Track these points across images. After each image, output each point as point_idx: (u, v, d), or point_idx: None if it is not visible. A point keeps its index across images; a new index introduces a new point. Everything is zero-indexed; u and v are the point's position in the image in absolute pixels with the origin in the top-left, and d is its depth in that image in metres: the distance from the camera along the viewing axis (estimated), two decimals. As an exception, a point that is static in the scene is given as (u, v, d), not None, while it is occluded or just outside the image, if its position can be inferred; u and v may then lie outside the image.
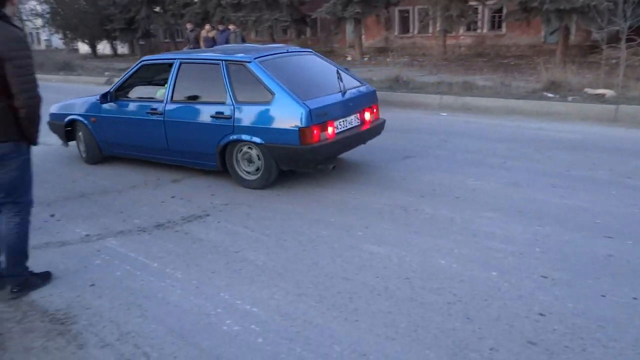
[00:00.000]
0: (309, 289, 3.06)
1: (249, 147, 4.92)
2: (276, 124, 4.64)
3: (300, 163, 4.84)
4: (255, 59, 4.92)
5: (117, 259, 3.61)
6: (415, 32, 25.72)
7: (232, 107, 4.85)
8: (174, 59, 5.46)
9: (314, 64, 5.62)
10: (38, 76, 3.00)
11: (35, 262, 3.57)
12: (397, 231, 3.88)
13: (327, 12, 20.93)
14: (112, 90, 5.74)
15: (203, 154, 5.20)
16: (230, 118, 4.85)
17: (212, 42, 14.15)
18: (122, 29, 31.04)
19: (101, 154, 6.11)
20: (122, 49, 36.25)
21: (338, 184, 5.13)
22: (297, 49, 5.94)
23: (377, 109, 5.70)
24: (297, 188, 5.03)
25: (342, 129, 4.98)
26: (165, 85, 5.37)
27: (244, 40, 13.23)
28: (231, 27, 13.59)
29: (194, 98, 5.23)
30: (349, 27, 24.66)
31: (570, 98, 8.61)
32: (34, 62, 2.93)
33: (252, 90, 4.79)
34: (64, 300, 3.06)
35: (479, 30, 23.49)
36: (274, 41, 24.63)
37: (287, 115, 4.60)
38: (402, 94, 10.66)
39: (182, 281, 3.25)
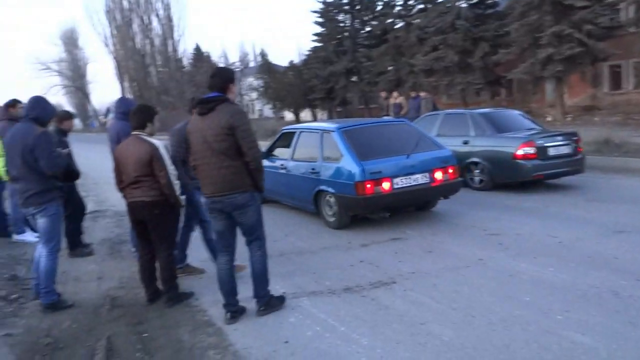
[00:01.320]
0: (500, 375, 2.85)
1: (329, 196, 6.26)
2: (342, 179, 6.00)
3: (358, 210, 6.15)
4: (339, 129, 6.37)
5: (308, 319, 3.83)
6: (630, 87, 23.08)
7: (320, 165, 6.37)
8: (297, 129, 7.40)
9: (396, 133, 6.71)
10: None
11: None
12: (606, 319, 3.42)
13: (524, 73, 20.15)
14: (266, 150, 7.38)
15: (306, 200, 6.73)
16: (319, 173, 6.32)
17: (399, 108, 14.57)
18: (322, 98, 34.05)
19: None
20: (322, 115, 39.58)
21: (536, 258, 4.76)
22: (391, 120, 7.79)
23: (455, 170, 6.45)
24: (488, 261, 4.80)
25: (403, 185, 6.01)
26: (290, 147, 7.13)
27: (435, 107, 13.39)
28: (422, 94, 13.90)
29: (303, 158, 6.85)
30: (549, 86, 23.27)
31: None
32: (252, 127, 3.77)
33: (332, 152, 6.27)
34: (262, 354, 3.34)
35: None
36: (466, 104, 24.43)
37: (348, 172, 5.94)
38: (613, 158, 9.60)
39: (367, 348, 3.30)
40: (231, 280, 3.92)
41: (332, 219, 6.37)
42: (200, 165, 3.73)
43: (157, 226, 4.28)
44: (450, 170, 6.37)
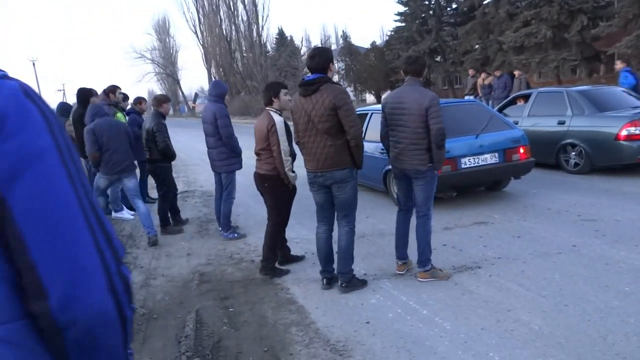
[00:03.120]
0: (595, 368, 2.67)
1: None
2: None
3: None
4: None
5: (390, 300, 3.81)
6: None
7: None
8: (369, 110, 7.39)
9: (467, 112, 6.56)
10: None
11: (322, 293, 4.05)
12: None
13: (628, 47, 18.50)
14: None
15: (377, 179, 6.87)
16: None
17: (488, 89, 14.00)
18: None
19: None
20: (404, 97, 38.81)
21: (637, 246, 4.40)
22: (462, 100, 7.72)
23: (526, 149, 6.31)
24: (582, 248, 4.50)
25: (472, 165, 6.04)
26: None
27: (528, 85, 12.68)
28: (516, 73, 13.21)
29: (374, 138, 6.34)
30: (656, 61, 21.22)
31: None
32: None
33: None
34: (343, 333, 3.37)
35: None
36: (560, 82, 22.91)
37: None
38: None
39: (450, 332, 3.22)
40: (328, 248, 4.12)
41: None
42: (305, 143, 3.91)
43: (266, 197, 4.59)
44: (522, 150, 6.30)
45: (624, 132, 6.89)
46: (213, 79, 51.54)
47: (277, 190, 4.50)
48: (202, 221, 6.88)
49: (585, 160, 7.42)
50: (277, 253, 4.69)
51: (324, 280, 4.17)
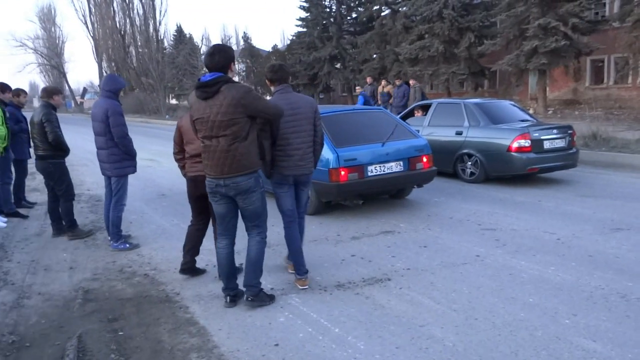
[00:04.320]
0: (511, 387, 2.62)
1: None
2: (319, 165, 5.21)
3: (332, 197, 6.13)
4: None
5: (300, 318, 3.56)
6: (611, 82, 23.22)
7: None
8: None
9: (373, 120, 6.58)
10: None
11: (225, 311, 3.72)
12: (617, 325, 3.23)
13: (508, 64, 20.07)
14: None
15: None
16: None
17: (387, 97, 14.38)
18: (305, 84, 33.60)
19: None
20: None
21: (535, 255, 4.56)
22: (368, 108, 8.04)
23: (429, 159, 6.42)
24: (486, 258, 4.59)
25: (378, 173, 6.01)
26: None
27: (423, 95, 13.16)
28: (412, 82, 13.65)
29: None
30: (532, 79, 23.26)
31: None
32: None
33: None
34: (250, 359, 3.06)
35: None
36: (449, 94, 24.31)
37: (324, 159, 5.72)
38: (600, 153, 9.51)
39: (365, 353, 3.04)
40: (230, 264, 3.82)
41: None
42: (208, 146, 3.50)
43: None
44: (425, 159, 6.37)
45: (515, 144, 7.29)
46: (105, 74, 48.40)
47: None
48: (88, 229, 6.16)
49: (480, 170, 7.76)
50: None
51: (227, 297, 3.81)
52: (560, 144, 7.53)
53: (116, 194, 5.22)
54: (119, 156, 5.09)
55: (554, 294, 3.74)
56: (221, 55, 3.45)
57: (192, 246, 4.43)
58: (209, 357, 3.10)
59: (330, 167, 5.77)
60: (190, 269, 4.44)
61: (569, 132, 7.70)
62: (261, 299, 3.78)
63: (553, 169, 7.61)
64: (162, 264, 4.82)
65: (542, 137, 7.36)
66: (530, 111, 20.47)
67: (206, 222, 4.45)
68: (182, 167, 4.42)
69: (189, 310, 3.80)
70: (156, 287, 4.28)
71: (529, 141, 7.25)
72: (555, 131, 7.56)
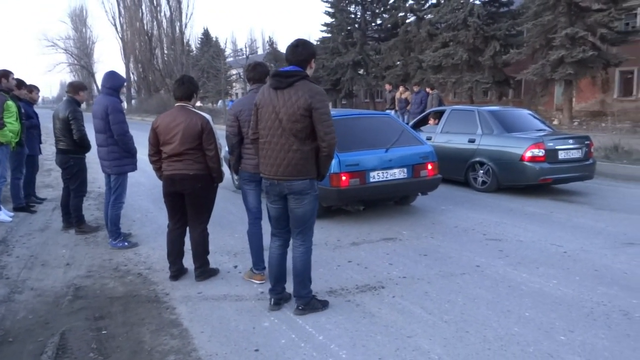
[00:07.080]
0: (492, 405, 2.48)
1: None
2: None
3: (332, 202, 5.93)
4: None
5: (285, 324, 3.47)
6: (640, 95, 22.58)
7: None
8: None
9: (379, 125, 6.46)
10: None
11: (211, 314, 3.65)
12: (615, 343, 3.05)
13: (534, 74, 19.68)
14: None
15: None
16: None
17: (405, 103, 14.22)
18: (327, 89, 33.55)
19: None
20: (327, 107, 39.08)
21: (538, 268, 4.38)
22: (375, 112, 7.69)
23: (434, 166, 6.25)
24: (486, 269, 4.42)
25: (380, 179, 5.88)
26: None
27: (441, 103, 12.98)
28: (429, 90, 13.49)
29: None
30: (558, 89, 22.81)
31: None
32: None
33: None
34: (227, 363, 2.98)
35: None
36: (472, 103, 23.96)
37: None
38: (622, 166, 9.19)
39: (345, 363, 2.93)
40: (281, 266, 3.71)
41: None
42: (265, 143, 3.41)
43: (196, 200, 4.23)
44: (430, 167, 6.23)
45: (528, 154, 7.08)
46: (132, 75, 49.01)
47: (208, 190, 4.28)
48: (96, 225, 6.18)
49: (492, 179, 7.56)
50: (209, 252, 4.42)
51: (272, 300, 3.70)
52: (576, 154, 7.28)
53: (115, 191, 5.21)
54: (118, 154, 5.09)
55: (552, 308, 3.57)
56: (305, 48, 3.37)
57: (177, 254, 4.36)
58: (189, 361, 3.03)
59: (332, 171, 5.61)
60: (181, 272, 4.40)
61: (586, 142, 7.45)
62: (312, 306, 3.63)
63: (567, 180, 7.36)
64: (157, 264, 4.78)
65: (557, 147, 7.13)
66: (555, 122, 20.07)
67: (184, 223, 4.36)
68: (157, 169, 4.33)
69: (175, 311, 3.74)
70: (147, 287, 4.23)
71: (543, 150, 7.02)
72: (571, 141, 7.32)
